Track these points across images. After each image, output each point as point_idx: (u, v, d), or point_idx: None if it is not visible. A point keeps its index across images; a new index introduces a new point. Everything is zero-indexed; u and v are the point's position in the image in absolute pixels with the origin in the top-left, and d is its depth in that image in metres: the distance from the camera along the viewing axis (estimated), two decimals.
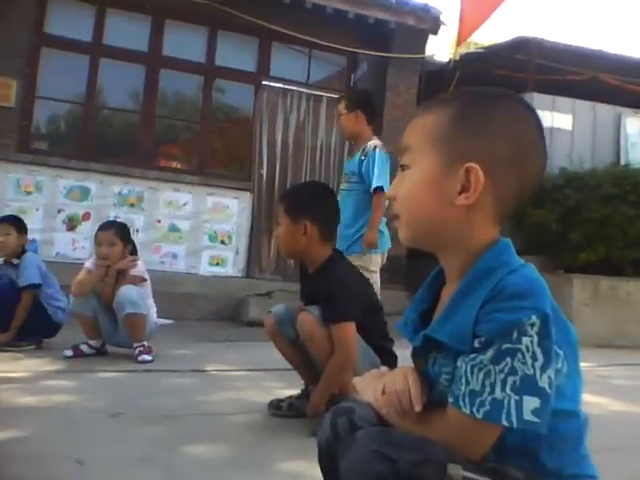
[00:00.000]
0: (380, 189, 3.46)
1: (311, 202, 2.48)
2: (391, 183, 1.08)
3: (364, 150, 3.62)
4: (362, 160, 3.60)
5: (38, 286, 3.87)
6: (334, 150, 7.07)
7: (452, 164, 0.97)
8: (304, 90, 7.03)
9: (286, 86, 6.96)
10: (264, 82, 6.90)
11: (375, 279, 3.50)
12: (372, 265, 3.56)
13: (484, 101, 1.01)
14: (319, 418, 2.03)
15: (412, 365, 1.06)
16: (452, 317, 0.96)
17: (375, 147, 3.60)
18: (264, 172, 6.86)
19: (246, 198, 6.78)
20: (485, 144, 0.97)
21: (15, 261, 3.92)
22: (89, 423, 2.36)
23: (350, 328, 2.31)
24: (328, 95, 7.04)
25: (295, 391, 2.63)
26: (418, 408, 0.96)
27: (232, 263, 6.69)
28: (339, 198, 3.00)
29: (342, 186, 3.78)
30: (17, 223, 4.03)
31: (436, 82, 7.08)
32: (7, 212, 5.77)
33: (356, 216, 3.57)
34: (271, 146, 6.92)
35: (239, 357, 3.92)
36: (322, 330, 2.31)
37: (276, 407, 2.57)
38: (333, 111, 7.01)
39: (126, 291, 3.64)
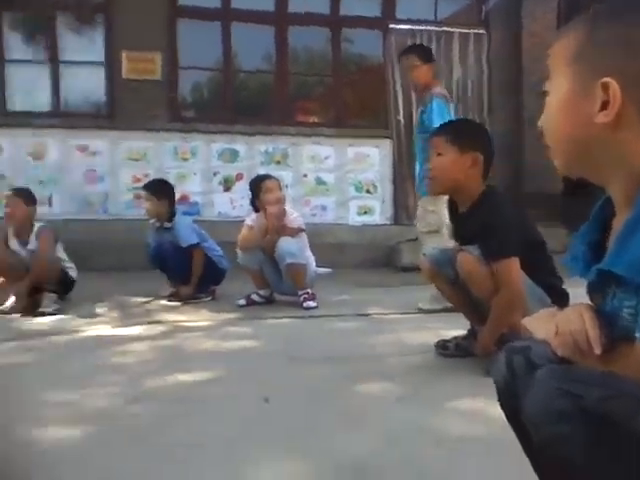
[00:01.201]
0: None
1: (480, 136, 2.48)
2: None
3: (424, 100, 3.94)
4: (423, 111, 3.94)
5: (198, 244, 4.20)
6: (470, 87, 6.82)
7: (588, 82, 0.92)
8: (433, 28, 6.78)
9: (414, 27, 6.75)
10: (391, 25, 6.74)
11: (432, 219, 3.77)
12: (430, 205, 3.79)
13: (622, 15, 0.94)
14: (490, 357, 2.07)
15: (586, 303, 1.00)
16: (628, 248, 0.89)
17: (432, 97, 3.84)
18: (401, 117, 6.79)
19: (386, 145, 6.77)
20: (622, 58, 0.90)
21: (167, 225, 4.25)
22: (268, 365, 2.55)
23: (514, 264, 2.26)
24: (459, 30, 6.75)
25: (460, 332, 2.65)
26: (598, 351, 0.91)
27: (380, 211, 6.76)
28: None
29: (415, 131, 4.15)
30: (156, 189, 4.33)
31: (576, 4, 6.52)
32: (169, 179, 6.27)
33: (423, 161, 3.72)
34: (406, 90, 6.80)
35: (399, 300, 3.95)
36: (483, 269, 2.28)
37: (443, 347, 2.60)
38: (467, 47, 6.78)
39: (285, 243, 3.86)
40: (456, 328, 2.71)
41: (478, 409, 1.93)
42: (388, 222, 6.74)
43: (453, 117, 3.80)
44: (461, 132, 2.45)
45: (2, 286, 3.92)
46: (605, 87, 0.90)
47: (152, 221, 4.34)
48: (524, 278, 2.30)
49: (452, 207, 2.56)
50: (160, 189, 4.36)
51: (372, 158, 6.76)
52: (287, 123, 6.72)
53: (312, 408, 1.99)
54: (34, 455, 1.58)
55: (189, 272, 4.16)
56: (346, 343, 2.94)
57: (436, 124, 3.53)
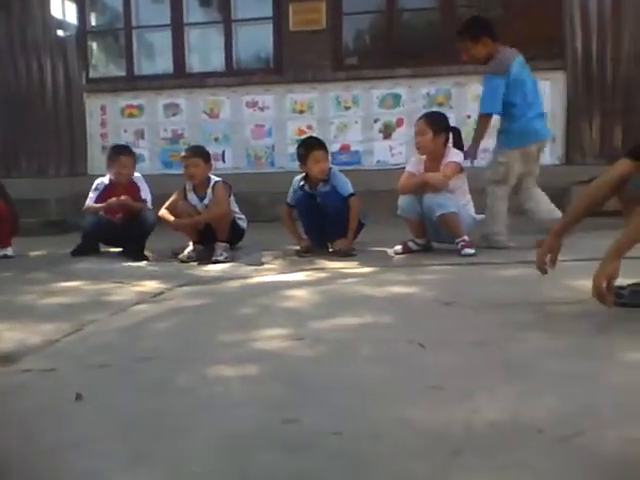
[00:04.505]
0: None
1: None
2: None
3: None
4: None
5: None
6: None
7: None
8: None
9: None
10: None
11: (501, 170, 4.04)
12: (501, 157, 4.07)
13: None
14: None
15: None
16: None
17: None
18: (578, 45, 6.17)
19: (559, 78, 6.24)
20: None
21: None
22: (424, 311, 2.55)
23: None
24: None
25: (637, 279, 2.42)
26: None
27: (549, 151, 6.30)
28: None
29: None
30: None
31: None
32: (332, 129, 6.39)
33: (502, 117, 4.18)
34: (583, 14, 6.16)
35: (570, 247, 3.65)
36: None
37: (617, 295, 2.37)
38: None
39: (429, 198, 3.81)
40: (634, 275, 2.46)
41: None
42: (559, 162, 6.25)
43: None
44: None
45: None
46: None
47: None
48: None
49: None
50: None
51: (543, 93, 6.24)
52: (452, 62, 6.42)
53: (469, 355, 1.95)
54: (203, 392, 1.73)
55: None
56: (506, 290, 2.83)
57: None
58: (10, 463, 1.35)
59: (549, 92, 6.28)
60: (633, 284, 2.42)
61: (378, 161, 6.57)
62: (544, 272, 2.45)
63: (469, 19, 4.41)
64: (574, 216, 2.46)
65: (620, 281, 2.45)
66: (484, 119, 4.06)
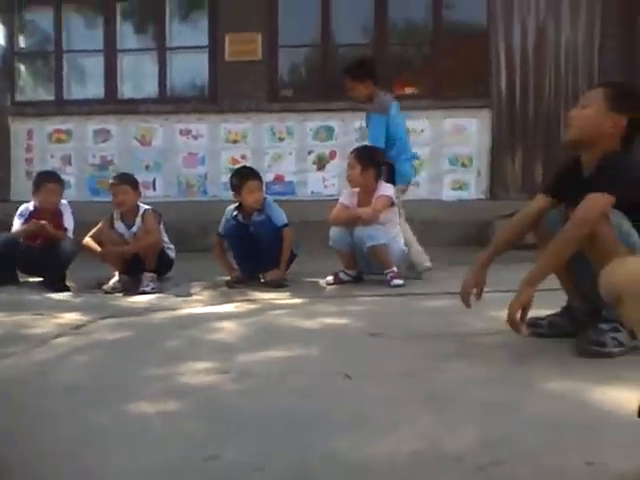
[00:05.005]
0: None
1: (636, 100, 2.29)
2: None
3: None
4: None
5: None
6: (581, 49, 6.36)
7: None
8: None
9: None
10: None
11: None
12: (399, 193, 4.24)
13: None
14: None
15: None
16: None
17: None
18: (503, 85, 6.48)
19: (485, 116, 6.51)
20: None
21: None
22: (353, 342, 2.56)
23: (602, 200, 2.09)
24: None
25: (554, 310, 2.52)
26: None
27: (474, 186, 6.54)
28: None
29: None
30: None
31: None
32: (266, 159, 6.43)
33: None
34: (508, 55, 6.49)
35: (492, 279, 3.82)
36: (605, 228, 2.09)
37: (534, 325, 2.47)
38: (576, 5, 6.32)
39: (359, 230, 3.88)
40: (553, 307, 2.57)
41: (568, 391, 1.84)
42: (483, 196, 6.50)
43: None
44: (620, 92, 2.29)
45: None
46: None
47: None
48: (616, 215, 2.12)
49: (572, 168, 2.38)
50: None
51: (469, 130, 6.52)
52: None
53: (396, 386, 1.97)
54: (119, 429, 1.67)
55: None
56: (434, 321, 2.88)
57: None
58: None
59: (475, 129, 6.53)
60: (551, 315, 2.51)
61: (312, 192, 6.63)
62: (468, 305, 2.49)
63: (356, 60, 4.56)
64: (497, 248, 2.55)
65: (539, 312, 2.56)
66: None
